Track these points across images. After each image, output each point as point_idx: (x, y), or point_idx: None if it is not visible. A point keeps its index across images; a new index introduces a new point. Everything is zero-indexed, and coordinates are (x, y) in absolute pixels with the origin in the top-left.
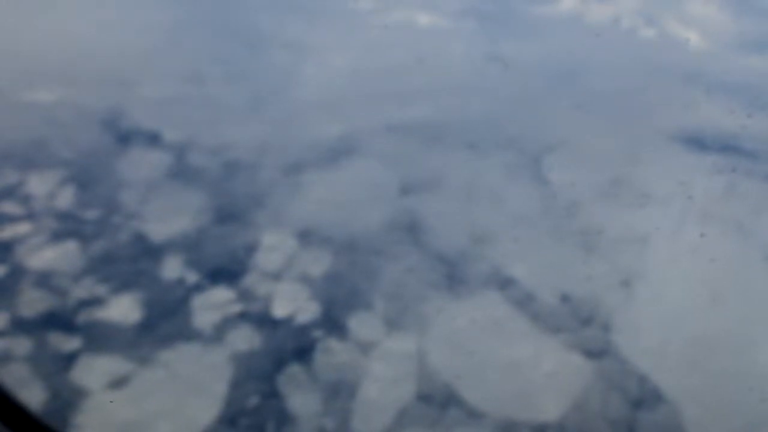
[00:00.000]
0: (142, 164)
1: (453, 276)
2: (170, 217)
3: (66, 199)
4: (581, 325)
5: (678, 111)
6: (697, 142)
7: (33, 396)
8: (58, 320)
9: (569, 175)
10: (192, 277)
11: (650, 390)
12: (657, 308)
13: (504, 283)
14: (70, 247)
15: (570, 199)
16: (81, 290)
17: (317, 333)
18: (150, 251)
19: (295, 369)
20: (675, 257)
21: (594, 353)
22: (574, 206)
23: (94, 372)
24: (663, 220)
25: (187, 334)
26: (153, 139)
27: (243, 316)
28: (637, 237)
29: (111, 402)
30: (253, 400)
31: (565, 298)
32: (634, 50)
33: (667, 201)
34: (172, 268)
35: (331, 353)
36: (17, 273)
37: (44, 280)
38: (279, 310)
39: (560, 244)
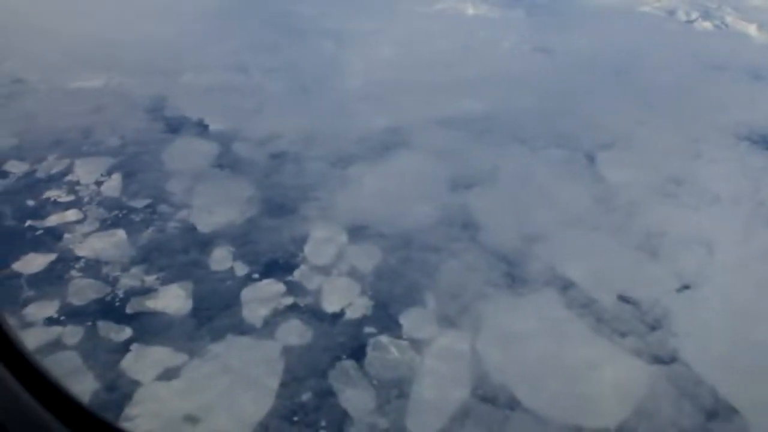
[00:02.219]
0: (187, 153)
1: (508, 275)
2: (218, 208)
3: (113, 187)
4: (642, 329)
5: (741, 107)
6: (763, 141)
7: (85, 386)
8: (109, 309)
9: (626, 173)
10: (241, 269)
11: (716, 398)
12: (722, 314)
13: (561, 284)
14: (119, 235)
15: (628, 198)
16: (130, 280)
17: (369, 329)
18: (198, 242)
19: (347, 365)
20: (742, 261)
21: (657, 359)
22: (633, 206)
23: (145, 362)
24: (729, 222)
25: (238, 326)
26: (198, 129)
27: (293, 310)
28: (701, 239)
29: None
30: (306, 396)
31: (625, 301)
32: (691, 42)
33: (734, 201)
34: (221, 260)
35: (384, 350)
36: (67, 260)
37: (93, 268)
38: (330, 305)
39: (619, 244)
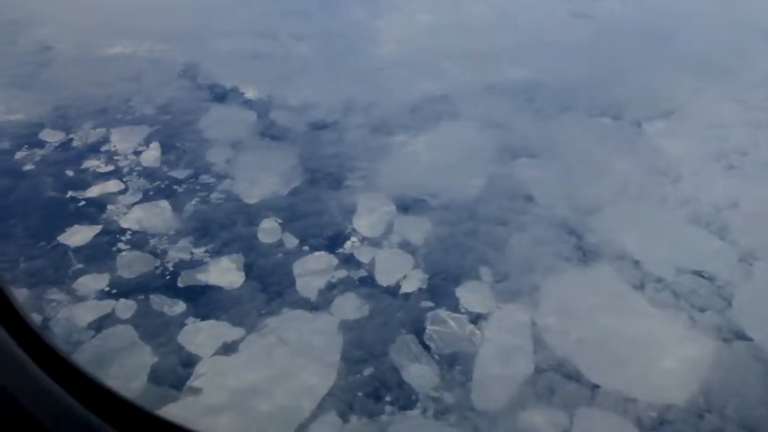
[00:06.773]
0: (225, 122)
1: (566, 247)
2: (261, 178)
3: (153, 157)
4: (718, 305)
5: None
6: None
7: (144, 359)
8: (160, 283)
9: (685, 144)
10: (291, 241)
11: None
12: None
13: (631, 258)
14: (163, 206)
15: (690, 170)
16: (180, 252)
17: (426, 303)
18: (245, 213)
19: (407, 339)
20: None
21: (737, 335)
22: (696, 177)
23: (203, 336)
24: None
25: (294, 300)
26: (233, 96)
27: (347, 283)
28: None
29: None
30: (368, 371)
31: (698, 276)
32: (735, 6)
33: None
34: (270, 232)
35: (443, 324)
36: (112, 233)
37: (140, 240)
38: (384, 278)
39: (685, 218)
